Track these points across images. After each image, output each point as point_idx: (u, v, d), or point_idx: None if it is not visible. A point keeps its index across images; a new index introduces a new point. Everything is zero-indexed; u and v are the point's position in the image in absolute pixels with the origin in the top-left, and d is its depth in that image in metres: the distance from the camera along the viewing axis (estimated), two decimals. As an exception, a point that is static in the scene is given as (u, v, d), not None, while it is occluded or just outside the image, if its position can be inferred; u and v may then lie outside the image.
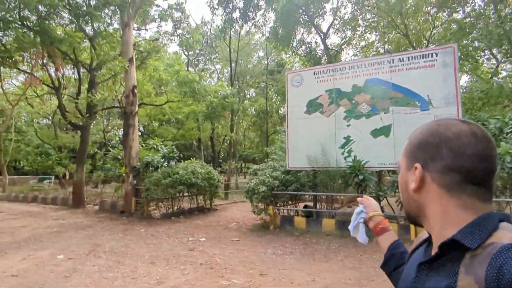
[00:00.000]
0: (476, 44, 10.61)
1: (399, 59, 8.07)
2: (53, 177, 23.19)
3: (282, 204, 9.88)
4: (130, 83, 12.11)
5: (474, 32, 10.75)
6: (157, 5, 17.12)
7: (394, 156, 7.94)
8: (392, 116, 7.99)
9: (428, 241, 0.81)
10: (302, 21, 17.24)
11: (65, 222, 10.85)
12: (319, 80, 9.05)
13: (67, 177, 25.14)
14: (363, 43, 18.42)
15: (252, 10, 15.90)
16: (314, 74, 9.20)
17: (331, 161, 8.60)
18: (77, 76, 14.11)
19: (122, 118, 13.45)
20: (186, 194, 12.23)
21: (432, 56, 7.63)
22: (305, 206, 10.44)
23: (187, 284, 5.28)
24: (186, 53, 22.76)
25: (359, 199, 1.27)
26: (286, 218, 9.39)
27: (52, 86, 13.55)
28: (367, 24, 15.91)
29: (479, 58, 11.31)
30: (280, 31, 17.05)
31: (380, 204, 8.37)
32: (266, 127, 22.36)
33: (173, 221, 10.83)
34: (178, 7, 17.25)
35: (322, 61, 16.43)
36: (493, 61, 11.91)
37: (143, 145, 14.21)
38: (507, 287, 0.52)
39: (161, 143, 14.07)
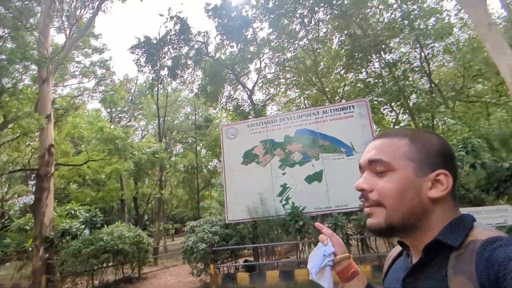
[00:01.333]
0: (379, 99, 12.66)
1: (323, 111, 9.04)
2: None
3: (222, 261, 9.31)
4: (46, 141, 10.79)
5: (376, 89, 12.87)
6: (78, 62, 16.33)
7: (328, 200, 8.40)
8: (322, 162, 8.63)
9: (407, 255, 0.81)
10: (228, 80, 18.30)
11: None
12: (253, 132, 9.45)
13: None
14: (285, 99, 20.24)
15: (180, 68, 16.36)
16: (248, 126, 9.60)
17: (271, 210, 8.66)
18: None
19: (31, 181, 11.60)
20: (111, 263, 10.66)
21: (350, 109, 8.75)
22: (245, 261, 10.03)
23: None
24: (109, 110, 21.69)
25: (325, 231, 1.00)
26: (228, 275, 8.80)
27: None
28: (288, 82, 17.70)
29: (383, 110, 13.52)
30: (208, 88, 17.70)
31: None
32: (197, 183, 21.78)
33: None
34: (102, 64, 16.81)
35: (250, 116, 17.29)
36: (393, 113, 14.34)
37: (57, 211, 12.33)
38: (497, 273, 0.56)
39: (80, 208, 12.44)
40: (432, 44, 12.38)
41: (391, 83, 11.64)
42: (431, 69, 13.46)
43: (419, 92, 12.41)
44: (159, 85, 18.11)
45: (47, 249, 10.20)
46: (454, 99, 12.38)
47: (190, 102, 25.31)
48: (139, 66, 15.89)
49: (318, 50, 14.98)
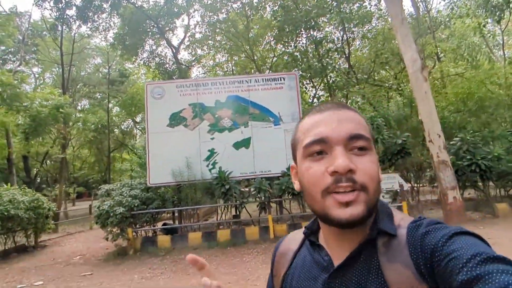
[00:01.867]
0: (302, 73, 13.38)
1: (255, 80, 9.11)
2: None
3: (142, 225, 8.98)
4: None
5: (301, 64, 13.52)
6: None
7: (254, 166, 8.75)
8: (251, 130, 8.84)
9: (317, 247, 0.71)
10: (151, 33, 16.68)
11: None
12: (182, 94, 8.97)
13: None
14: (212, 63, 19.53)
15: (93, 10, 14.07)
16: (177, 87, 9.06)
17: (197, 174, 8.59)
18: None
19: None
20: (-1, 232, 9.14)
21: (281, 80, 9.02)
22: (164, 224, 9.90)
23: None
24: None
25: (205, 281, 0.74)
26: (148, 239, 8.59)
27: None
28: (218, 45, 17.06)
29: (306, 85, 14.40)
30: (127, 39, 15.83)
31: (241, 211, 8.97)
32: (108, 144, 19.85)
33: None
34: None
35: (174, 76, 16.27)
36: (313, 89, 15.41)
37: None
38: (431, 258, 0.54)
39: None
40: (354, 29, 13.50)
41: (315, 59, 12.38)
42: (350, 52, 14.73)
43: (338, 72, 13.55)
44: (64, 27, 15.32)
45: None
46: (365, 81, 13.97)
47: (102, 52, 22.25)
48: (38, 2, 13.11)
49: (251, 17, 14.73)
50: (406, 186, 9.17)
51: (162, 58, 17.20)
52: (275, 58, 15.64)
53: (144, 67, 19.11)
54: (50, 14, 14.47)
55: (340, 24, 12.89)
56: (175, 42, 17.58)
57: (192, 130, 8.86)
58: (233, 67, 18.43)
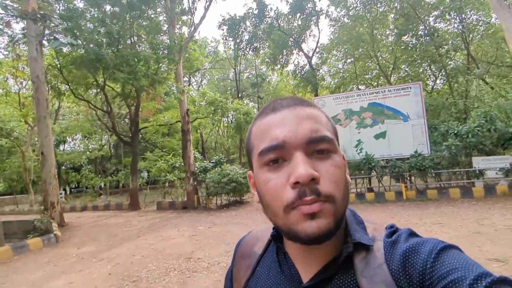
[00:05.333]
0: (420, 62, 15.98)
1: (388, 90, 13.04)
2: (63, 191, 24.80)
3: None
4: (184, 107, 15.46)
5: (421, 59, 16.14)
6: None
7: (389, 150, 12.87)
8: (386, 126, 12.91)
9: (282, 254, 0.64)
10: (288, 46, 21.84)
11: (152, 217, 13.82)
12: (337, 103, 13.65)
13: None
14: (332, 60, 23.50)
15: (257, 41, 20.06)
16: (333, 99, 13.80)
17: (349, 156, 13.28)
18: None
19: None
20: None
21: (408, 89, 12.71)
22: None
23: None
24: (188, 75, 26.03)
25: None
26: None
27: (104, 110, 16.21)
28: (340, 48, 20.92)
29: (426, 78, 16.96)
30: (275, 56, 21.46)
31: (381, 181, 13.16)
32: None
33: (233, 209, 14.39)
34: (189, 37, 20.57)
35: (307, 75, 21.06)
36: (430, 80, 17.79)
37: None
38: (420, 276, 0.49)
39: (197, 153, 17.58)
40: (472, 17, 15.21)
41: (435, 58, 15.01)
42: (469, 42, 16.40)
43: (457, 65, 15.68)
44: (239, 55, 22.08)
45: (194, 179, 15.50)
46: (489, 65, 15.25)
47: (250, 63, 29.20)
48: (225, 40, 19.77)
49: (375, 31, 17.89)
50: (517, 165, 11.58)
51: (296, 66, 22.30)
52: (396, 58, 18.28)
53: (279, 72, 24.77)
54: (228, 47, 21.13)
55: (456, 19, 14.78)
56: (305, 49, 22.38)
57: (345, 127, 13.52)
58: (356, 67, 21.90)
